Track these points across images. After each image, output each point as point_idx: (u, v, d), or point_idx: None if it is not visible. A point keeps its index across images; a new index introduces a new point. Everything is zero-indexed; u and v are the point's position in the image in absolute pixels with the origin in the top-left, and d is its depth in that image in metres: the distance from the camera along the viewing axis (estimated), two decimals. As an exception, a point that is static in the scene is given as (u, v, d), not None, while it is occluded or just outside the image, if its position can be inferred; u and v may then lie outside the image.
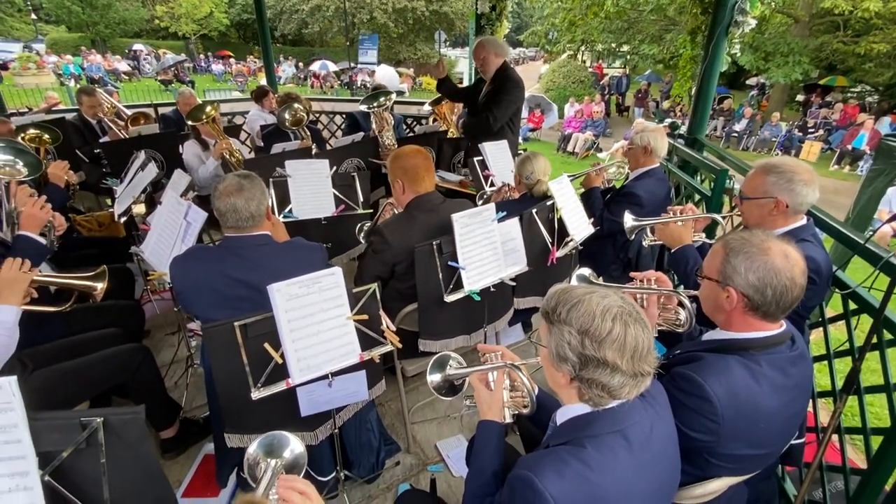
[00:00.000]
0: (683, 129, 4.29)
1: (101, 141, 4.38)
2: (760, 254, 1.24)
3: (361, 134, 4.27)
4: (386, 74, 17.15)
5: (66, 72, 20.27)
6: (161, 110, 5.95)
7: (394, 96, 4.22)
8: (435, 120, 5.48)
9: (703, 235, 2.24)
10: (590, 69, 19.91)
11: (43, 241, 2.15)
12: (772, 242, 1.26)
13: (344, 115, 6.30)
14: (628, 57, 19.32)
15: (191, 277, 1.87)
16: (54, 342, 2.17)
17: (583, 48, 20.66)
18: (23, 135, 3.19)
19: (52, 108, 5.65)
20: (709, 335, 1.43)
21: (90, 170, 4.39)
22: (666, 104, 15.74)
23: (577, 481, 0.98)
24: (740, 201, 1.97)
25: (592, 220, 2.70)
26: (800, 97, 16.98)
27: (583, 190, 3.06)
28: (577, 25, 15.79)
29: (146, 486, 1.18)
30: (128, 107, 6.04)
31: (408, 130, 5.87)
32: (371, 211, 3.26)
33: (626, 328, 0.99)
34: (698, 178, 3.75)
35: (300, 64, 26.12)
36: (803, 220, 1.86)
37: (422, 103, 6.61)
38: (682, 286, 2.29)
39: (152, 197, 3.40)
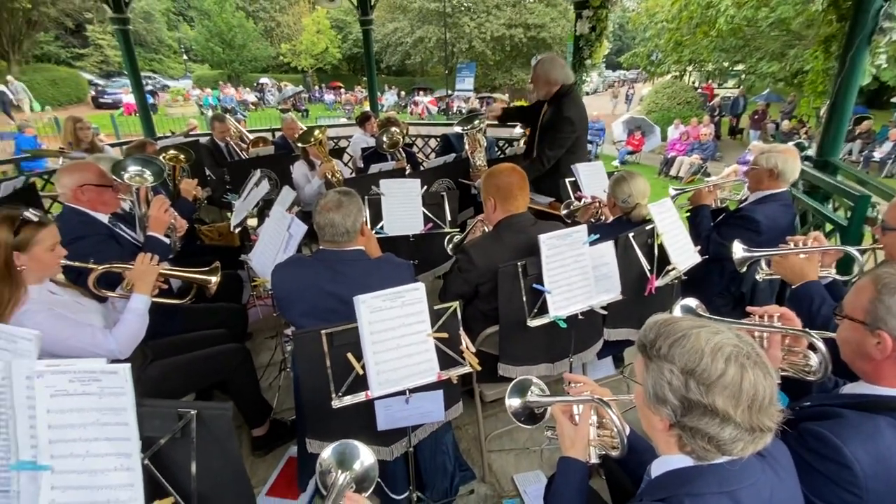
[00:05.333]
0: (811, 152, 3.78)
1: (229, 162, 4.96)
2: None
3: (453, 155, 4.34)
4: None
5: (206, 103, 23.38)
6: (278, 134, 6.59)
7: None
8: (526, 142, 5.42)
9: (833, 271, 1.91)
10: (698, 90, 18.67)
11: (167, 241, 2.43)
12: (943, 280, 1.02)
13: (438, 139, 6.49)
14: (743, 76, 17.80)
15: (288, 285, 1.98)
16: (171, 337, 2.41)
17: (689, 69, 19.43)
18: (164, 154, 3.67)
19: (190, 132, 6.50)
20: (849, 388, 1.18)
21: (216, 186, 4.94)
22: (786, 125, 14.17)
23: (671, 545, 0.84)
24: (882, 232, 1.66)
25: (699, 247, 2.45)
26: (963, 118, 14.34)
27: (690, 209, 2.79)
28: (684, 45, 14.91)
29: (229, 481, 1.23)
30: (251, 132, 6.78)
31: (499, 152, 5.88)
32: (458, 230, 3.27)
33: (742, 371, 0.84)
34: (830, 205, 3.27)
35: (402, 93, 27.66)
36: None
37: (514, 126, 6.61)
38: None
39: (264, 211, 3.73)
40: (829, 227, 3.13)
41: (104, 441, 1.14)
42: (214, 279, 2.26)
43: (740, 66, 17.32)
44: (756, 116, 15.23)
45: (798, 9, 11.82)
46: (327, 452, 1.14)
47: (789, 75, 14.65)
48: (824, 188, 3.27)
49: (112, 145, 5.68)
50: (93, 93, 24.20)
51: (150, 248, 2.24)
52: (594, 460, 1.27)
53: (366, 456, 1.14)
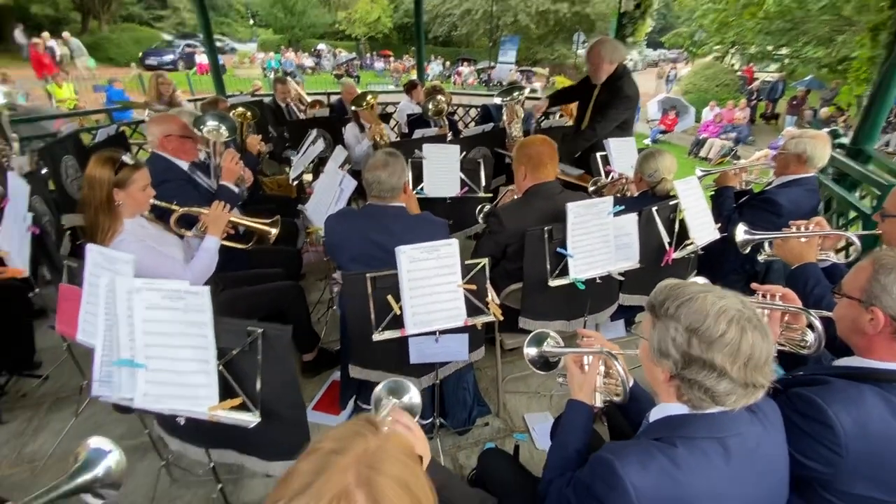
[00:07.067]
0: (846, 140, 3.50)
1: (288, 121, 5.04)
2: None
3: (491, 125, 4.27)
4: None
5: (268, 66, 23.43)
6: (332, 98, 6.60)
7: (527, 91, 4.12)
8: (561, 115, 5.26)
9: (833, 254, 1.84)
10: (738, 72, 17.28)
11: (237, 189, 2.54)
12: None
13: (479, 108, 6.35)
14: (786, 61, 16.27)
15: (339, 233, 2.06)
16: (238, 272, 2.57)
17: (732, 51, 17.87)
18: (233, 111, 3.76)
19: (255, 92, 6.59)
20: (843, 361, 1.17)
21: (277, 142, 5.05)
22: (824, 112, 13.02)
23: (660, 476, 0.88)
24: (882, 218, 1.58)
25: (720, 224, 2.38)
26: None
27: (714, 188, 2.69)
28: (730, 26, 13.67)
29: (286, 391, 1.35)
30: (309, 94, 6.81)
31: (535, 124, 5.71)
32: (491, 195, 3.26)
33: (742, 333, 0.85)
34: (857, 193, 3.07)
35: (447, 63, 26.87)
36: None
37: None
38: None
39: (318, 167, 3.81)
40: (852, 214, 2.95)
41: (188, 348, 1.27)
42: (275, 231, 2.34)
43: (784, 50, 15.81)
44: (794, 102, 14.03)
45: (852, -8, 10.58)
46: (381, 387, 1.19)
47: (835, 61, 13.32)
48: (853, 176, 3.06)
49: (188, 101, 5.85)
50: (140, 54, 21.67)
51: (222, 196, 2.35)
52: (599, 405, 1.31)
53: (414, 394, 1.19)
